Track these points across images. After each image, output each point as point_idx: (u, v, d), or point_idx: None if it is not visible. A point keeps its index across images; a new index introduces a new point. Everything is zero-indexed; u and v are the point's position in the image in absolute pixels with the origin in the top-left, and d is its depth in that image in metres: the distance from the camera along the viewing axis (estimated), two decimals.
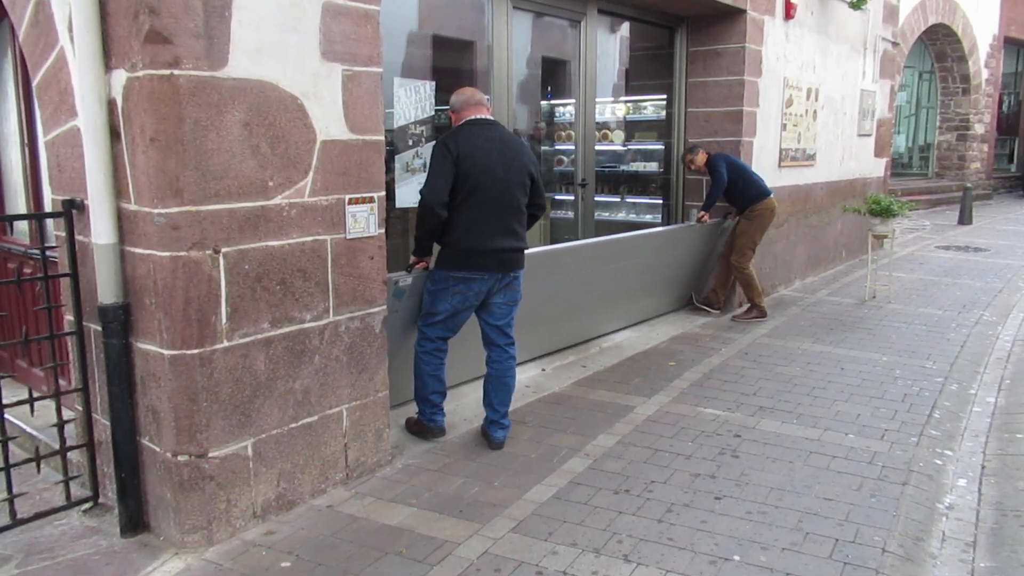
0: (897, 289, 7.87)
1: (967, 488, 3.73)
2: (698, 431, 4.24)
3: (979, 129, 18.23)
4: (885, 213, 7.26)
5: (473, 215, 3.82)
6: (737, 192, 6.62)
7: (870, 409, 4.60)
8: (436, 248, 4.01)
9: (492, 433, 4.03)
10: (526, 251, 4.07)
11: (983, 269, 9.39)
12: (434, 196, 3.75)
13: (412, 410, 4.24)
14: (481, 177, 3.80)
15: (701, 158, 6.64)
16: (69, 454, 3.40)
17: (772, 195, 6.65)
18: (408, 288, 4.04)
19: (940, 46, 17.35)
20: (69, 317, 3.39)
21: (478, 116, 3.95)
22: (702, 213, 6.64)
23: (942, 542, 3.24)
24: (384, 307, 3.69)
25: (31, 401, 3.26)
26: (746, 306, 6.82)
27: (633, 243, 6.06)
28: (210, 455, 3.06)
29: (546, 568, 2.94)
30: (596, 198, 6.64)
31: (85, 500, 3.41)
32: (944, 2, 15.92)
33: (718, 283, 7.01)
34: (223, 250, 2.99)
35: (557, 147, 7.07)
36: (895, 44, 10.24)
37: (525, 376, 5.08)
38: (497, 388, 4.05)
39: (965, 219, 13.66)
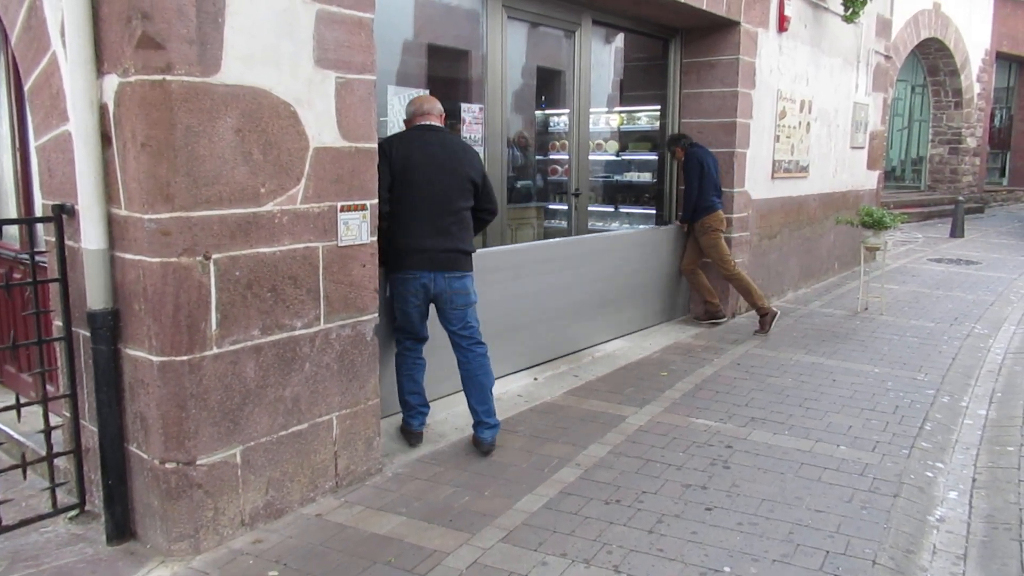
0: (889, 301, 7.89)
1: (958, 500, 3.73)
2: (690, 442, 4.24)
3: (971, 143, 18.34)
4: (877, 225, 7.28)
5: (405, 215, 3.90)
6: (691, 196, 6.62)
7: (862, 421, 4.60)
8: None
9: (479, 434, 4.03)
10: (472, 253, 4.06)
11: (975, 282, 9.42)
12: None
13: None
14: (413, 176, 3.87)
15: (681, 154, 6.73)
16: (56, 461, 3.37)
17: (721, 209, 6.64)
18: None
19: (932, 60, 17.47)
20: (58, 322, 3.37)
21: (423, 123, 4.02)
22: (682, 224, 6.75)
23: (933, 554, 3.24)
24: (376, 315, 3.68)
25: (18, 407, 3.23)
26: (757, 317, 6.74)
27: (618, 241, 6.12)
28: (198, 462, 3.04)
29: None
30: (590, 208, 6.64)
31: (71, 507, 3.37)
32: (936, 17, 16.04)
33: (704, 294, 6.96)
34: (214, 256, 2.98)
35: (551, 156, 7.08)
36: (888, 57, 10.31)
37: (517, 385, 5.07)
38: (472, 388, 4.06)
39: (957, 232, 13.72)
